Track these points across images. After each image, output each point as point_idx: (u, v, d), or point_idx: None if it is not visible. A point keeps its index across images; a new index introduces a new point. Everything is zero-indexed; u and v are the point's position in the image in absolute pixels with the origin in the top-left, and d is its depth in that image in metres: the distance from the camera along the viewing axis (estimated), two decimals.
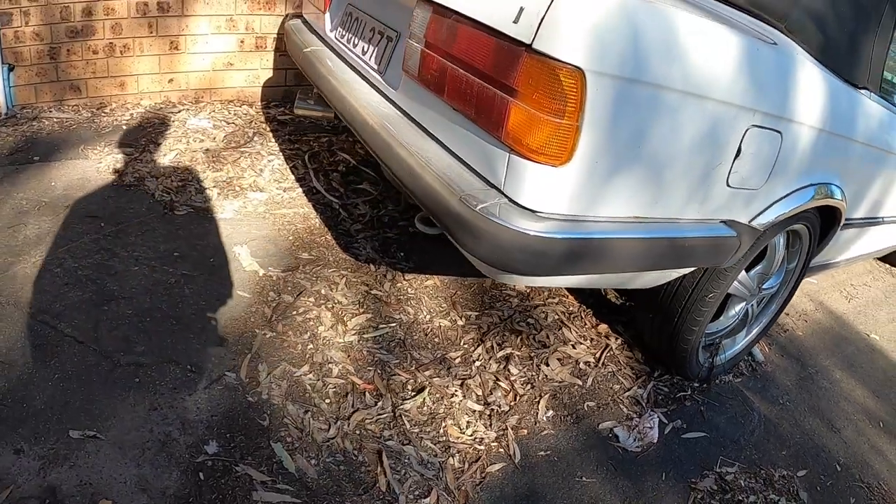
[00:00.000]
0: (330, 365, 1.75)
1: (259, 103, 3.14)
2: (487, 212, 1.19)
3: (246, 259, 2.03)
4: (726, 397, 2.27)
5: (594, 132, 1.16)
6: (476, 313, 2.12)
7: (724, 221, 1.58)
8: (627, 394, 2.06)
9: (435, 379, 1.80)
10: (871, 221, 2.37)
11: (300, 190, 2.46)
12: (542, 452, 1.73)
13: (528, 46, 1.12)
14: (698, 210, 1.48)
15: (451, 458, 1.60)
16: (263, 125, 2.93)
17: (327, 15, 2.13)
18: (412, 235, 2.39)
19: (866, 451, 2.40)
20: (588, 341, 2.23)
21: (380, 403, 1.67)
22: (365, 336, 1.87)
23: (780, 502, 1.92)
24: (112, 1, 2.64)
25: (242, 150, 2.63)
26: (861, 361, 3.10)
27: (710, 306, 1.87)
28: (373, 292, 2.05)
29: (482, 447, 1.67)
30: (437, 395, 1.75)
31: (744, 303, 2.15)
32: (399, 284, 2.12)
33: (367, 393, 1.69)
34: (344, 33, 2.00)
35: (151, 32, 2.80)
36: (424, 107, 1.48)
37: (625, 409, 2.00)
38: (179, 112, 2.97)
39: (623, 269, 1.41)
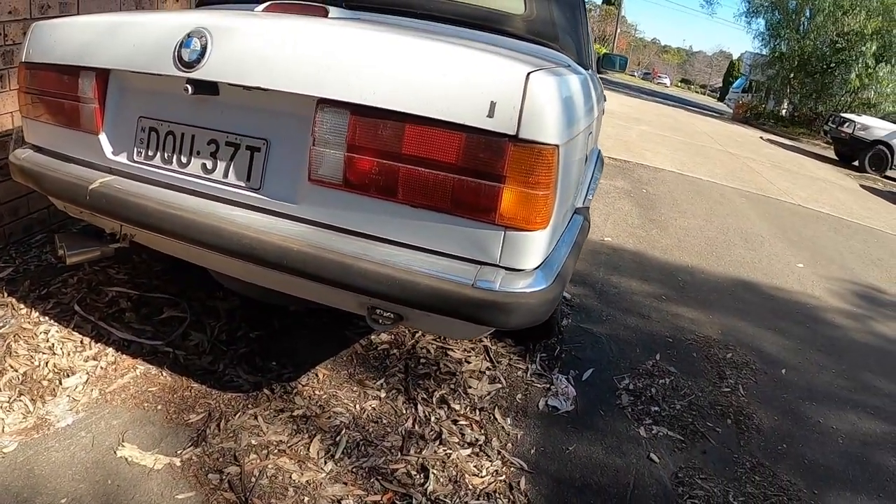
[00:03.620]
0: (342, 502, 1.94)
1: None
2: (510, 287, 1.49)
3: (144, 458, 1.90)
4: (577, 336, 3.11)
5: (559, 189, 1.56)
6: (383, 380, 2.49)
7: (576, 212, 2.26)
8: (530, 373, 2.70)
9: (424, 452, 2.16)
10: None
11: (112, 350, 2.33)
12: (532, 451, 2.26)
13: (513, 137, 1.42)
14: (570, 212, 2.13)
15: (497, 500, 2.03)
16: None
17: (103, 137, 1.94)
18: (259, 340, 2.56)
19: (671, 319, 3.51)
20: (472, 352, 2.79)
21: (413, 502, 1.98)
22: (336, 456, 2.08)
23: (666, 381, 2.78)
24: None
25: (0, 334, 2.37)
26: (616, 262, 4.31)
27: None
28: (295, 413, 2.22)
29: (502, 476, 2.12)
30: (438, 463, 2.13)
31: None
32: (306, 393, 2.34)
33: (395, 502, 1.98)
34: (152, 154, 1.85)
35: None
36: (360, 213, 1.59)
37: (539, 385, 2.64)
38: None
39: (570, 275, 1.96)
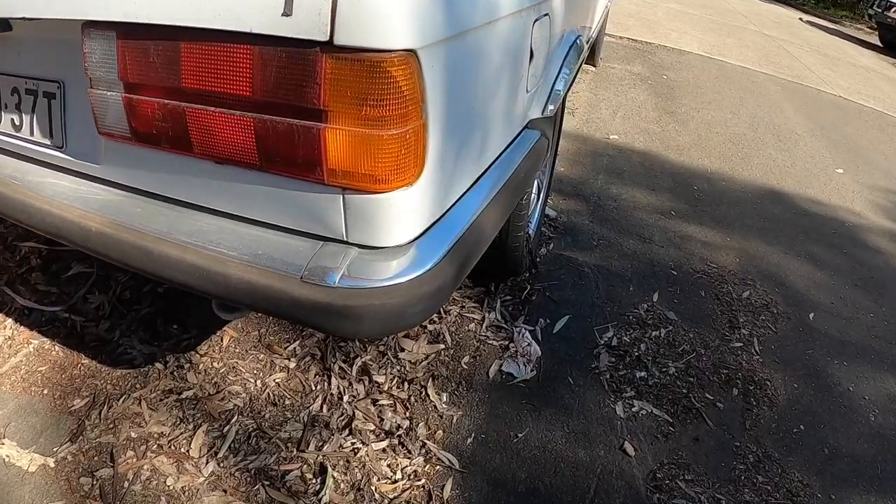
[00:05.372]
0: None
1: None
2: (359, 279, 1.03)
3: (21, 457, 1.60)
4: (556, 270, 2.53)
5: (438, 120, 1.05)
6: (297, 342, 1.99)
7: (526, 126, 1.66)
8: (486, 326, 2.16)
9: (325, 447, 1.68)
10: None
11: (11, 322, 1.95)
12: (469, 440, 1.77)
13: (326, 44, 0.92)
14: (510, 133, 1.54)
15: None
16: None
17: None
18: (166, 296, 2.09)
19: (679, 244, 2.90)
20: None
21: None
22: (219, 454, 1.64)
23: (660, 333, 2.22)
24: None
25: None
26: (620, 166, 3.65)
27: (528, 206, 2.01)
28: (184, 396, 1.77)
29: (421, 480, 1.64)
30: (341, 462, 1.64)
31: (536, 178, 2.34)
32: (202, 366, 1.87)
33: None
34: None
35: None
36: (163, 172, 1.21)
37: (496, 343, 2.10)
38: None
39: (491, 238, 1.40)
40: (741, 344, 2.31)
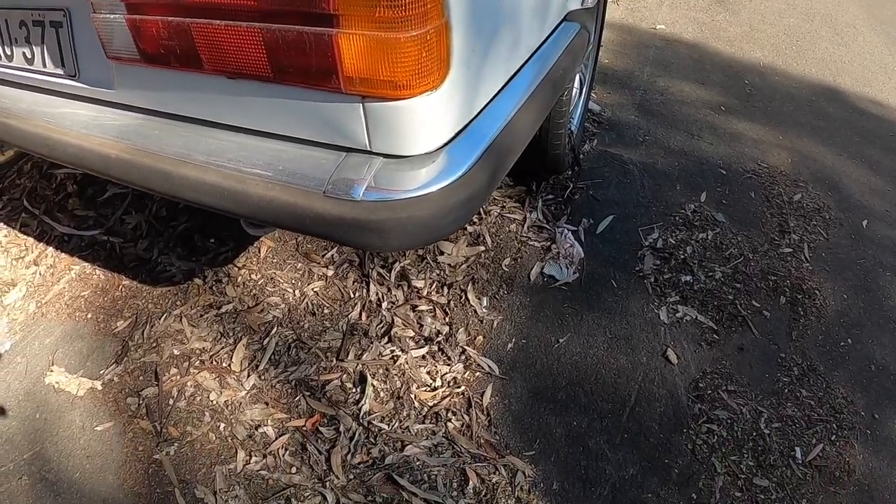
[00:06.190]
0: (259, 429, 1.51)
1: None
2: (385, 191, 0.96)
3: (69, 383, 1.63)
4: (600, 168, 2.42)
5: (463, 16, 0.95)
6: (335, 250, 1.94)
7: (564, 19, 1.53)
8: (526, 226, 2.09)
9: (364, 356, 1.65)
10: None
11: (52, 250, 1.95)
12: (509, 345, 1.73)
13: None
14: (546, 26, 1.42)
15: (448, 423, 1.53)
16: None
17: None
18: (202, 212, 2.04)
19: (729, 141, 2.76)
20: None
21: (342, 428, 1.51)
22: (260, 367, 1.63)
23: (707, 235, 2.13)
24: None
25: None
26: (668, 58, 3.44)
27: (569, 103, 1.89)
28: (223, 310, 1.76)
29: (461, 387, 1.61)
30: (381, 371, 1.62)
31: (578, 73, 2.19)
32: (240, 279, 1.84)
33: (319, 428, 1.51)
34: None
35: None
36: (177, 91, 1.15)
37: (537, 244, 2.03)
38: None
39: (527, 140, 1.30)
40: (791, 250, 2.21)
